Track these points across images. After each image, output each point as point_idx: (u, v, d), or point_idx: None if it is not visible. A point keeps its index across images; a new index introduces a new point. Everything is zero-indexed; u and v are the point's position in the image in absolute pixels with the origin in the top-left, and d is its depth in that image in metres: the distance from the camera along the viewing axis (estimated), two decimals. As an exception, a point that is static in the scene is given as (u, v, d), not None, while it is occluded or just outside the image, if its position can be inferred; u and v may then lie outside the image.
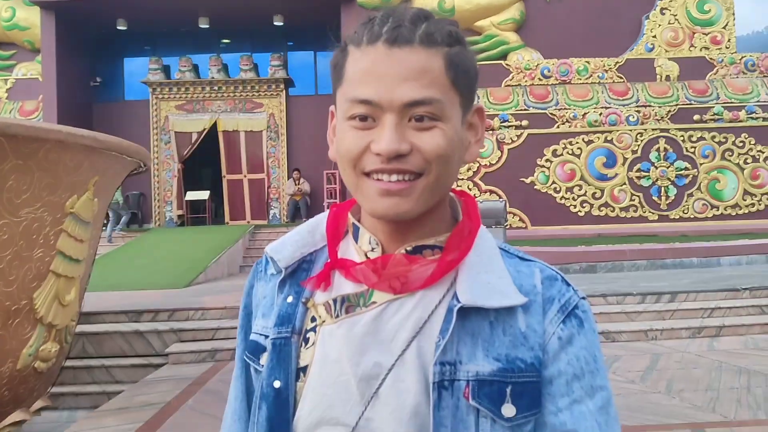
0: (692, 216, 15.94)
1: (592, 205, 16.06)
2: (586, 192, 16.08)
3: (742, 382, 5.38)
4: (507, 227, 14.51)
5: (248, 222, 17.46)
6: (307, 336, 0.96)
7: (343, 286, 0.96)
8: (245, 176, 17.93)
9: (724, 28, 17.20)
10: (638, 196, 15.99)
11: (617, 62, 16.85)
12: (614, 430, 0.91)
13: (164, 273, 10.87)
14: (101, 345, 6.97)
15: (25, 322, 4.63)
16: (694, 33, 17.07)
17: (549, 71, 16.86)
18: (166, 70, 18.42)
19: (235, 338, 6.89)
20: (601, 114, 16.29)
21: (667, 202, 16.00)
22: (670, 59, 16.86)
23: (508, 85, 16.82)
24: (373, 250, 0.96)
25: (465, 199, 1.02)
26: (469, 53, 0.93)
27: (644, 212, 15.96)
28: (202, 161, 18.25)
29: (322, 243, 1.02)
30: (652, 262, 11.19)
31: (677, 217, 15.94)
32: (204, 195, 17.80)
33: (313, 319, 0.96)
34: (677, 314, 7.70)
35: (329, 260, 0.99)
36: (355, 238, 0.99)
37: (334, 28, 15.82)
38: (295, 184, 17.04)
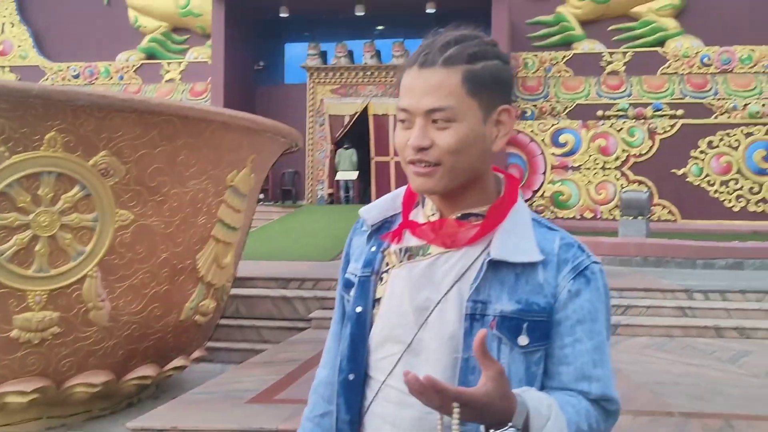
0: None
1: (748, 201, 15.32)
2: (742, 186, 15.36)
3: None
4: (651, 219, 14.19)
5: (394, 202, 17.99)
6: (382, 276, 1.32)
7: (410, 241, 1.30)
8: (392, 159, 18.49)
9: None
10: (801, 193, 15.09)
11: (786, 50, 15.85)
12: (605, 367, 1.20)
13: (312, 247, 11.57)
14: (252, 307, 7.67)
15: (188, 280, 5.30)
16: None
17: (709, 59, 16.14)
18: (323, 55, 19.29)
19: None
20: (764, 105, 15.45)
21: (834, 200, 14.99)
22: None
23: (664, 73, 16.27)
24: (433, 215, 1.29)
25: (508, 180, 1.32)
26: (493, 67, 1.20)
27: (807, 211, 15.03)
28: (354, 143, 18.98)
29: (401, 209, 1.37)
30: (806, 262, 10.61)
31: (844, 217, 14.90)
32: (353, 175, 18.54)
33: (387, 264, 1.32)
34: (822, 315, 7.37)
35: (403, 221, 1.33)
36: (423, 206, 1.33)
37: (484, 14, 15.92)
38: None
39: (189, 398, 4.52)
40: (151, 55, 19.82)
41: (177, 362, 5.55)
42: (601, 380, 1.19)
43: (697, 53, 16.21)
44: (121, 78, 19.65)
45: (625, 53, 16.54)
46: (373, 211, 1.38)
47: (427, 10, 17.58)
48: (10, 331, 4.40)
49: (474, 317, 1.18)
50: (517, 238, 1.22)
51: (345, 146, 18.47)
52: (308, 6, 18.31)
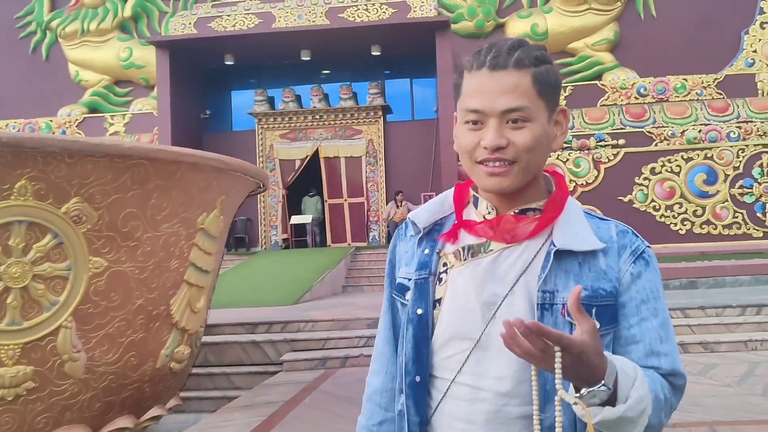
0: (800, 232, 15.46)
1: (693, 223, 15.79)
2: (686, 210, 15.84)
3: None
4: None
5: (349, 244, 18.01)
6: (441, 276, 1.33)
7: (466, 239, 1.32)
8: (346, 200, 18.55)
9: (829, 40, 16.64)
10: (741, 213, 15.63)
11: (716, 78, 16.52)
12: (672, 343, 1.25)
13: (273, 292, 11.46)
14: (222, 354, 7.55)
15: (163, 326, 5.20)
16: (797, 46, 16.60)
17: (645, 90, 16.71)
18: (271, 101, 19.35)
19: (343, 347, 7.29)
20: (700, 131, 16.04)
21: (773, 218, 15.58)
22: (772, 74, 16.43)
23: (604, 105, 16.77)
24: (489, 213, 1.32)
25: (556, 176, 1.38)
26: (553, 70, 1.27)
27: (748, 229, 15.56)
28: (305, 187, 19.00)
29: (449, 211, 1.40)
30: (756, 277, 11.00)
31: (783, 233, 15.48)
32: (307, 219, 18.50)
33: (444, 265, 1.33)
34: (779, 326, 7.62)
35: (456, 222, 1.35)
36: (475, 205, 1.36)
37: (428, 55, 16.23)
38: (397, 206, 17.31)
39: (175, 445, 4.42)
40: (93, 108, 19.57)
41: (153, 412, 5.40)
42: (669, 355, 1.23)
43: (633, 84, 16.77)
44: (64, 133, 19.26)
45: (565, 87, 17.02)
46: (423, 215, 1.40)
47: (373, 53, 17.84)
48: (-16, 388, 4.25)
49: (544, 307, 1.21)
50: (575, 228, 1.27)
51: (310, 193, 18.55)
52: (253, 53, 18.39)
